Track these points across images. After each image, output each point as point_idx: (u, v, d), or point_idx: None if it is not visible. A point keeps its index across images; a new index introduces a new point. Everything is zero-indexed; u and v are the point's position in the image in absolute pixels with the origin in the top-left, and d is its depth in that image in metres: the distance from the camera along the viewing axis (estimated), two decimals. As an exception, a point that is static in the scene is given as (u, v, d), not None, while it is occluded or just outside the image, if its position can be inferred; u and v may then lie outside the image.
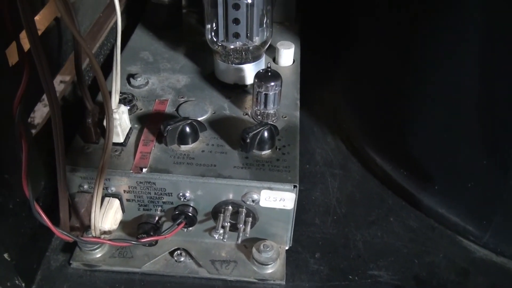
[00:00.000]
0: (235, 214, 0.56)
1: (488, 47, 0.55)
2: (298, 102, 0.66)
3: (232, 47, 0.66)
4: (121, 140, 0.57)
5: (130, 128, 0.59)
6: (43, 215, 0.48)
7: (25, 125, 0.49)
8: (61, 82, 0.70)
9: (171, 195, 0.56)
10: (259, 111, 0.62)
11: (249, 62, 0.67)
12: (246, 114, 0.63)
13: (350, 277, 0.60)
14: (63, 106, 0.65)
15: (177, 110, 0.63)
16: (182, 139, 0.56)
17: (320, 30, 1.02)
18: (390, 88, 0.72)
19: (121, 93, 0.62)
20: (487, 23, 0.54)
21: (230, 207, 0.56)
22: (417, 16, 0.63)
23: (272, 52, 0.74)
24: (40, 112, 0.70)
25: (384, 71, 0.73)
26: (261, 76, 0.59)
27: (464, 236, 0.66)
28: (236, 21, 0.61)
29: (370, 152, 0.76)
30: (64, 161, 0.49)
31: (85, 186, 0.56)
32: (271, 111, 0.61)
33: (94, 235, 0.53)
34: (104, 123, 0.53)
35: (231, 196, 0.56)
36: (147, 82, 0.68)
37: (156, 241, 0.57)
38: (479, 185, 0.63)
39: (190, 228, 0.59)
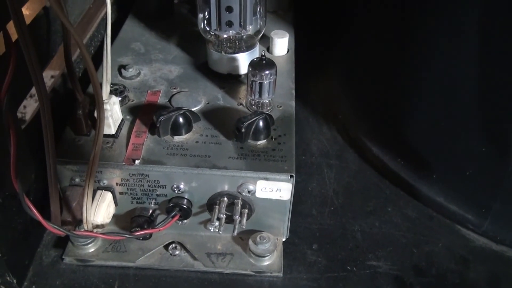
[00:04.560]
0: (231, 206, 0.55)
1: (485, 32, 0.54)
2: (293, 91, 0.65)
3: (225, 36, 0.64)
4: (113, 131, 0.56)
5: (122, 119, 0.58)
6: (33, 208, 0.47)
7: (14, 116, 0.48)
8: (52, 77, 0.69)
9: (165, 187, 0.55)
10: (253, 101, 0.60)
11: (243, 52, 0.65)
12: (241, 104, 0.62)
13: (349, 268, 0.59)
14: (53, 98, 0.64)
15: (170, 101, 0.62)
16: (176, 129, 0.55)
17: (315, 19, 1.01)
18: (386, 77, 0.71)
19: (112, 84, 0.60)
20: (483, 8, 0.53)
21: (225, 198, 0.55)
22: (412, 2, 0.62)
23: (266, 42, 0.73)
24: (32, 107, 0.69)
25: (380, 60, 0.72)
26: (255, 65, 0.58)
27: (463, 225, 0.65)
28: (229, 9, 0.60)
29: (367, 142, 0.75)
30: (54, 153, 0.48)
31: (77, 179, 0.55)
32: (266, 101, 0.60)
33: (86, 229, 0.52)
34: (95, 114, 0.51)
35: (226, 187, 0.54)
36: (139, 73, 0.66)
37: (150, 235, 0.56)
38: (477, 173, 0.62)
39: (185, 221, 0.58)
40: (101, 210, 0.53)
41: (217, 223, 0.55)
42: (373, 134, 0.75)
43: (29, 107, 0.71)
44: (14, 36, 0.43)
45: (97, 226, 0.53)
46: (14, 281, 0.54)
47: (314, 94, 0.87)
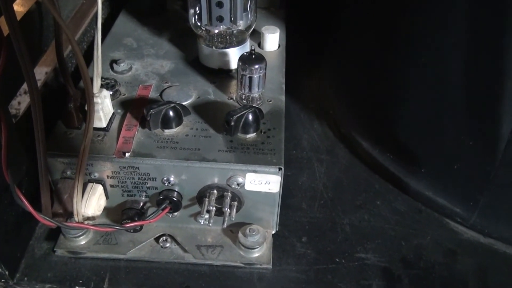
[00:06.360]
0: (221, 198, 0.56)
1: (470, 27, 0.55)
2: (284, 86, 0.66)
3: (216, 31, 0.65)
4: (104, 125, 0.56)
5: (113, 113, 0.59)
6: (24, 199, 0.47)
7: (5, 108, 0.48)
8: (45, 73, 0.69)
9: (155, 180, 0.55)
10: (244, 95, 0.61)
11: (234, 47, 0.66)
12: (231, 98, 0.63)
13: (337, 260, 0.60)
14: (46, 92, 0.64)
15: (161, 95, 0.62)
16: (166, 123, 0.56)
17: (307, 16, 1.02)
18: (376, 73, 0.71)
19: (104, 78, 0.61)
20: (468, 4, 0.54)
21: (215, 191, 0.55)
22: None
23: (257, 37, 0.74)
24: (26, 103, 0.69)
25: (370, 56, 0.72)
26: (245, 59, 0.58)
27: (451, 218, 0.66)
28: (220, 4, 0.61)
29: (357, 137, 0.76)
30: (44, 146, 0.48)
31: (68, 172, 0.55)
32: (256, 95, 0.61)
33: (77, 221, 0.52)
34: (86, 107, 0.52)
35: (216, 180, 0.55)
36: (131, 68, 0.67)
37: (141, 227, 0.57)
38: (465, 167, 0.63)
39: (175, 214, 0.58)
40: (92, 203, 0.53)
41: (207, 216, 0.55)
42: (363, 129, 0.76)
43: (23, 103, 0.71)
44: (6, 30, 0.43)
45: (88, 219, 0.54)
46: (7, 273, 0.55)
47: (305, 90, 0.88)
